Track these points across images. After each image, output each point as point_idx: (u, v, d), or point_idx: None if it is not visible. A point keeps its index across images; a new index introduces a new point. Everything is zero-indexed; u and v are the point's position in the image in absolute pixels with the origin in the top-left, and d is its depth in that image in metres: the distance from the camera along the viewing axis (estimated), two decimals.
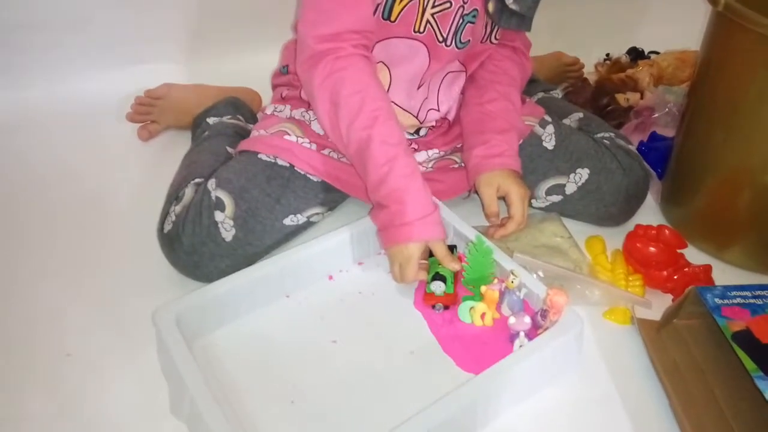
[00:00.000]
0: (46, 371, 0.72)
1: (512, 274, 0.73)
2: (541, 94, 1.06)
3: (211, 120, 1.01)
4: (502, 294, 0.74)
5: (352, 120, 0.76)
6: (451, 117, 0.94)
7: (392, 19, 0.80)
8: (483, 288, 0.74)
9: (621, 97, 1.13)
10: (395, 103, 0.87)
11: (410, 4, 0.79)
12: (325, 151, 0.86)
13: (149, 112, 1.10)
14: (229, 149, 0.92)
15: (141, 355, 0.72)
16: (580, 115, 0.98)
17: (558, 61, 1.23)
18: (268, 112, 0.92)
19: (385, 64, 0.85)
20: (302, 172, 0.85)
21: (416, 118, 0.89)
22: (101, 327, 0.76)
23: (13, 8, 1.09)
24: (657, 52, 1.27)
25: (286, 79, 0.93)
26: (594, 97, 1.15)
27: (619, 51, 1.28)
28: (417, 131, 0.92)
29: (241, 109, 1.05)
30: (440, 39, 0.82)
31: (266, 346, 0.73)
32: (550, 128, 0.91)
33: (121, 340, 0.75)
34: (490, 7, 0.82)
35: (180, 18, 1.23)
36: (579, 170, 0.88)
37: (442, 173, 0.92)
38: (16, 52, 1.14)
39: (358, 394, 0.68)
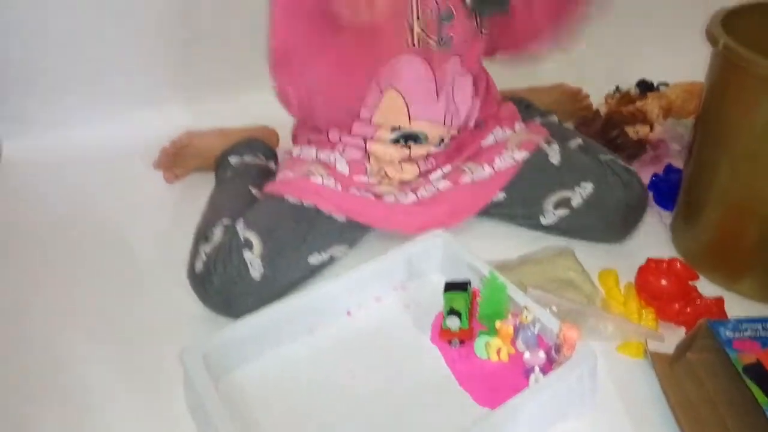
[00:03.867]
0: (73, 412, 0.73)
1: (525, 309, 0.75)
2: (538, 120, 1.09)
3: (232, 160, 1.05)
4: (516, 329, 0.76)
5: None
6: (471, 123, 0.99)
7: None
8: (498, 323, 0.76)
9: (630, 130, 1.15)
10: (424, 119, 0.92)
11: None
12: (351, 190, 0.90)
13: (175, 162, 1.14)
14: (252, 189, 0.96)
15: (169, 395, 0.74)
16: (580, 141, 1.03)
17: (564, 94, 1.25)
18: (295, 154, 0.97)
19: (396, 89, 0.90)
20: (327, 213, 0.89)
21: (444, 125, 0.94)
22: (128, 368, 0.78)
23: (37, 57, 1.17)
24: (666, 84, 1.29)
25: (307, 127, 0.98)
26: (603, 129, 1.17)
27: (628, 83, 1.30)
28: (440, 142, 0.96)
29: (260, 147, 1.09)
30: (435, 46, 0.88)
31: (290, 382, 0.75)
32: (555, 146, 0.96)
33: (148, 380, 0.77)
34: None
35: (197, 58, 1.28)
36: (583, 183, 0.93)
37: (452, 193, 0.94)
38: (39, 98, 1.19)
39: (378, 429, 0.70)
